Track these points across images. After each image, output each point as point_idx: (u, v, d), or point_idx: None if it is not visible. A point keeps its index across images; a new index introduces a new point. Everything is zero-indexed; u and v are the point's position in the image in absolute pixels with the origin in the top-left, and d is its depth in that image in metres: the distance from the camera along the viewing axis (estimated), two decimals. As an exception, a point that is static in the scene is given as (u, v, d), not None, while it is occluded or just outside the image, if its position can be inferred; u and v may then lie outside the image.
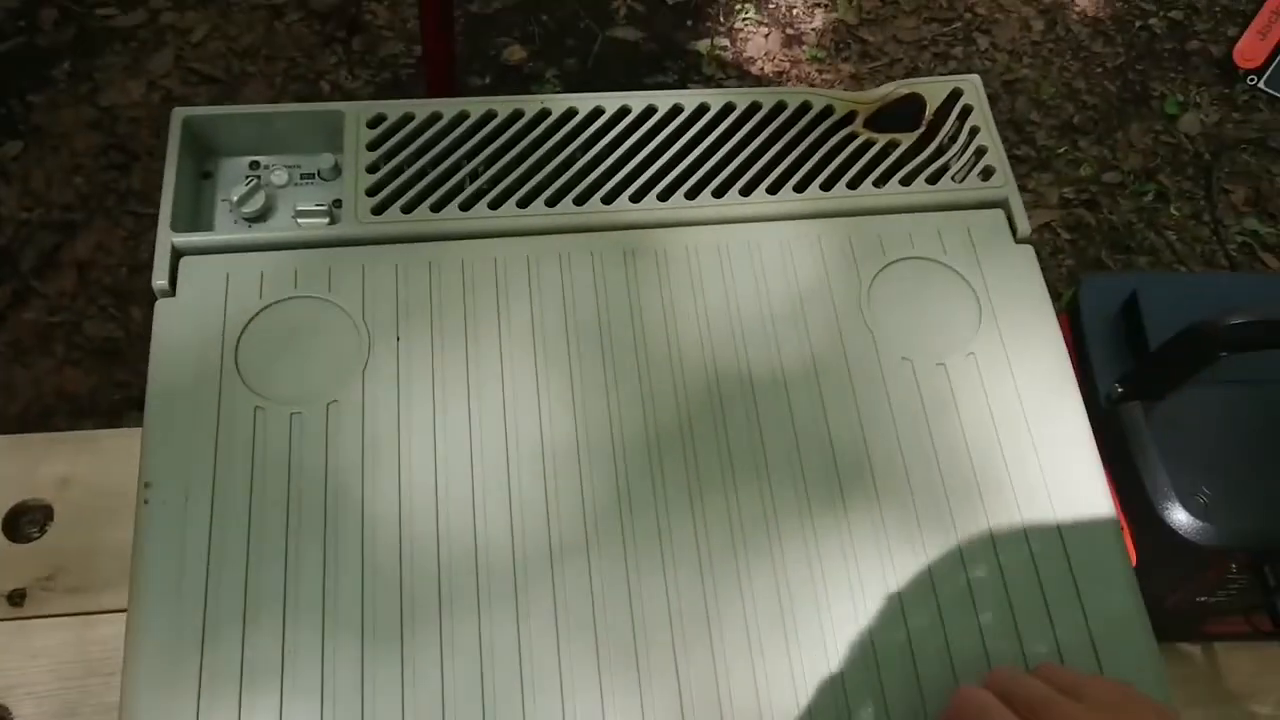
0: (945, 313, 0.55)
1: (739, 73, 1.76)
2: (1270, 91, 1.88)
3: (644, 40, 1.81)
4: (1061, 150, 1.75)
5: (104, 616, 0.84)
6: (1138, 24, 1.93)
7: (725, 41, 1.82)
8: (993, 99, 1.73)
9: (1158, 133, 1.78)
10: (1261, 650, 0.85)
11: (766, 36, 1.80)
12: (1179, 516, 0.68)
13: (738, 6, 1.88)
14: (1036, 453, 0.52)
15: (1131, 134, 1.77)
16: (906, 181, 0.58)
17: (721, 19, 1.86)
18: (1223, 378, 0.73)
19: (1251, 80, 1.90)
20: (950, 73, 1.84)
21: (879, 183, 0.58)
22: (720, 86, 1.73)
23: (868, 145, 0.60)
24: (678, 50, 1.79)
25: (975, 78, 0.62)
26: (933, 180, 0.58)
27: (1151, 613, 0.77)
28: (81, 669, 0.78)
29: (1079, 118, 1.79)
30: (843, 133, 0.60)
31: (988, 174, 0.59)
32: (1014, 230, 0.57)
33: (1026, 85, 1.83)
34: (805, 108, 0.61)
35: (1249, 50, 2.05)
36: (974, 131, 0.60)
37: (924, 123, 0.61)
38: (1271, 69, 1.87)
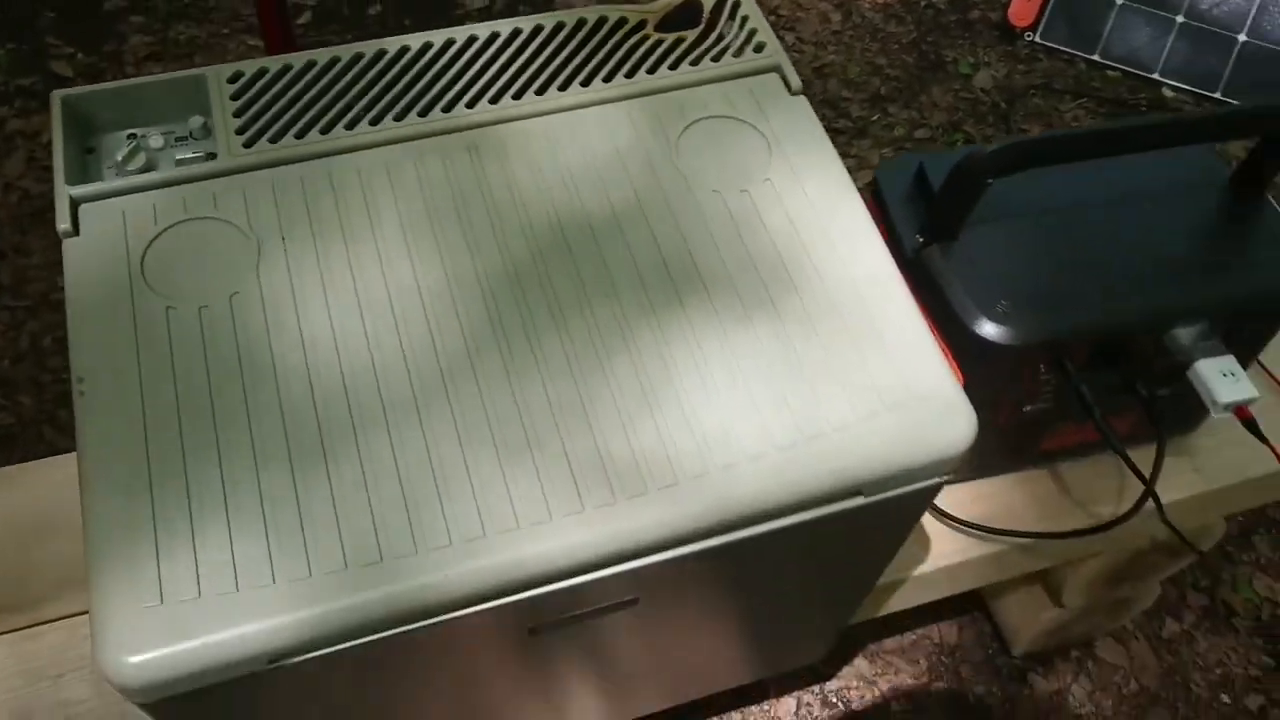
0: (742, 153, 0.66)
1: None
2: (1045, 43, 2.10)
3: None
4: (875, 118, 1.92)
5: (41, 628, 0.88)
6: (923, 4, 2.15)
7: None
8: (806, 84, 1.90)
9: (956, 91, 1.97)
10: (1097, 462, 0.97)
11: None
12: (985, 327, 0.80)
13: None
14: (832, 244, 0.62)
15: (934, 95, 1.96)
16: (695, 63, 0.70)
17: None
18: (1006, 214, 0.87)
19: (1029, 36, 2.12)
20: (765, 67, 2.01)
21: (673, 67, 0.69)
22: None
23: (660, 43, 0.71)
24: None
25: (740, -21, 0.74)
26: (716, 59, 0.70)
27: (993, 441, 0.89)
28: (26, 678, 0.82)
29: (885, 89, 1.97)
30: (637, 36, 0.71)
31: (760, 48, 0.71)
32: (788, 86, 0.69)
33: (834, 69, 2.01)
34: (603, 21, 0.72)
35: (1020, 12, 2.29)
36: (745, 19, 0.72)
37: (703, 19, 0.73)
38: (1043, 25, 2.09)
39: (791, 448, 0.55)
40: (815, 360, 0.58)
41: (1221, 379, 0.87)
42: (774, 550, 0.59)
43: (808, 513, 0.56)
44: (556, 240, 0.61)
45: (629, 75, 0.69)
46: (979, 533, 0.93)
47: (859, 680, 1.26)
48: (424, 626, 0.51)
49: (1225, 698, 1.29)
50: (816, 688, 1.26)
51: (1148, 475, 0.90)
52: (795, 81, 0.69)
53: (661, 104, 0.67)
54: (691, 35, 0.72)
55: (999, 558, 0.95)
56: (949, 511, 0.94)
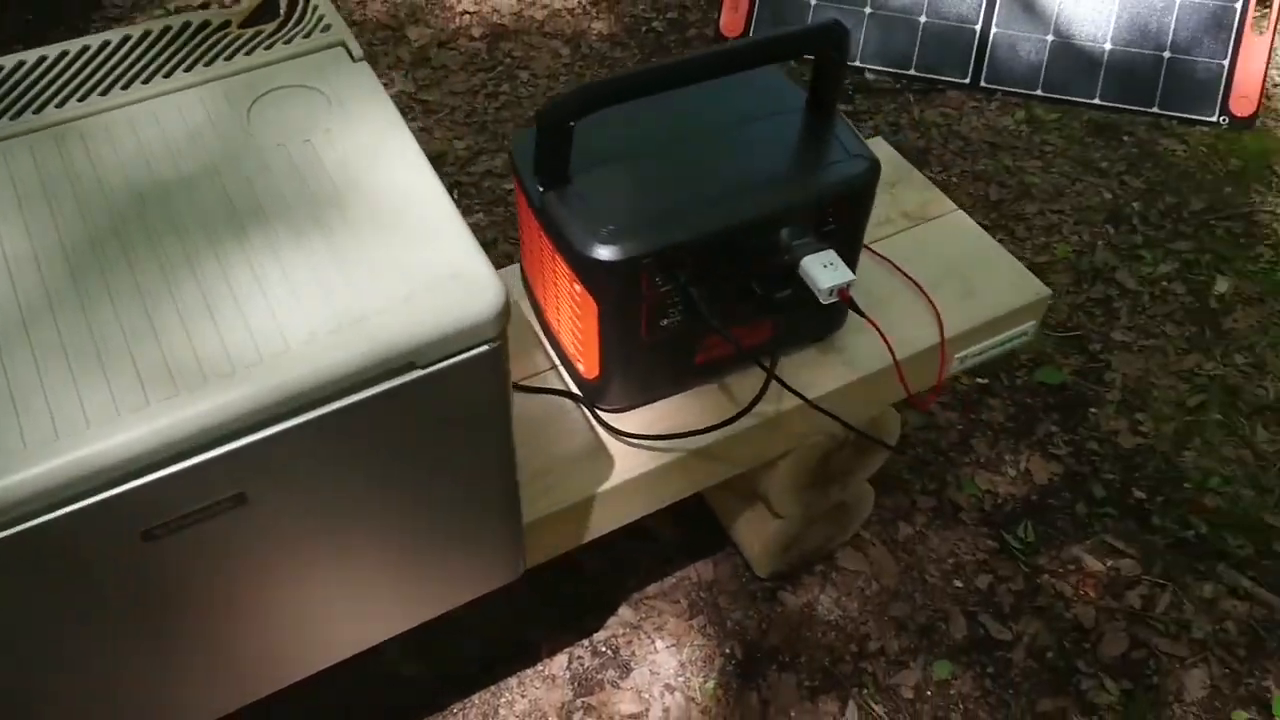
0: (306, 112, 0.76)
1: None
2: (757, 48, 2.24)
3: None
4: (608, 134, 2.07)
5: None
6: (644, 29, 2.32)
7: None
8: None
9: (680, 100, 2.15)
10: (757, 372, 1.06)
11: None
12: (596, 249, 0.92)
13: None
14: (379, 171, 0.72)
15: (661, 107, 2.13)
16: (269, 48, 0.80)
17: None
18: (613, 157, 0.99)
19: (741, 44, 2.27)
20: (502, 106, 2.14)
21: (249, 54, 0.79)
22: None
23: (239, 36, 0.81)
24: None
25: (308, -24, 0.85)
26: (288, 42, 0.80)
27: (651, 361, 1.00)
28: None
29: (616, 107, 2.13)
30: (220, 34, 0.81)
31: (327, 29, 0.81)
32: (351, 56, 0.80)
33: (569, 96, 2.16)
34: (188, 25, 0.81)
35: (730, 24, 2.49)
36: (315, 6, 0.83)
37: (280, 12, 0.83)
38: (751, 33, 2.29)
39: (338, 331, 0.64)
40: (358, 261, 0.67)
41: (823, 269, 1.01)
42: (358, 434, 0.67)
43: (373, 388, 0.65)
44: (134, 205, 0.69)
45: (208, 64, 0.78)
46: (645, 441, 1.04)
47: (624, 627, 1.35)
48: (16, 534, 0.58)
49: (958, 582, 1.42)
50: (585, 641, 1.34)
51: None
52: (357, 51, 0.80)
53: (234, 84, 0.77)
54: (270, 27, 0.82)
55: (681, 466, 1.06)
56: (620, 427, 1.05)
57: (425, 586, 0.86)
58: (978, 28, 2.20)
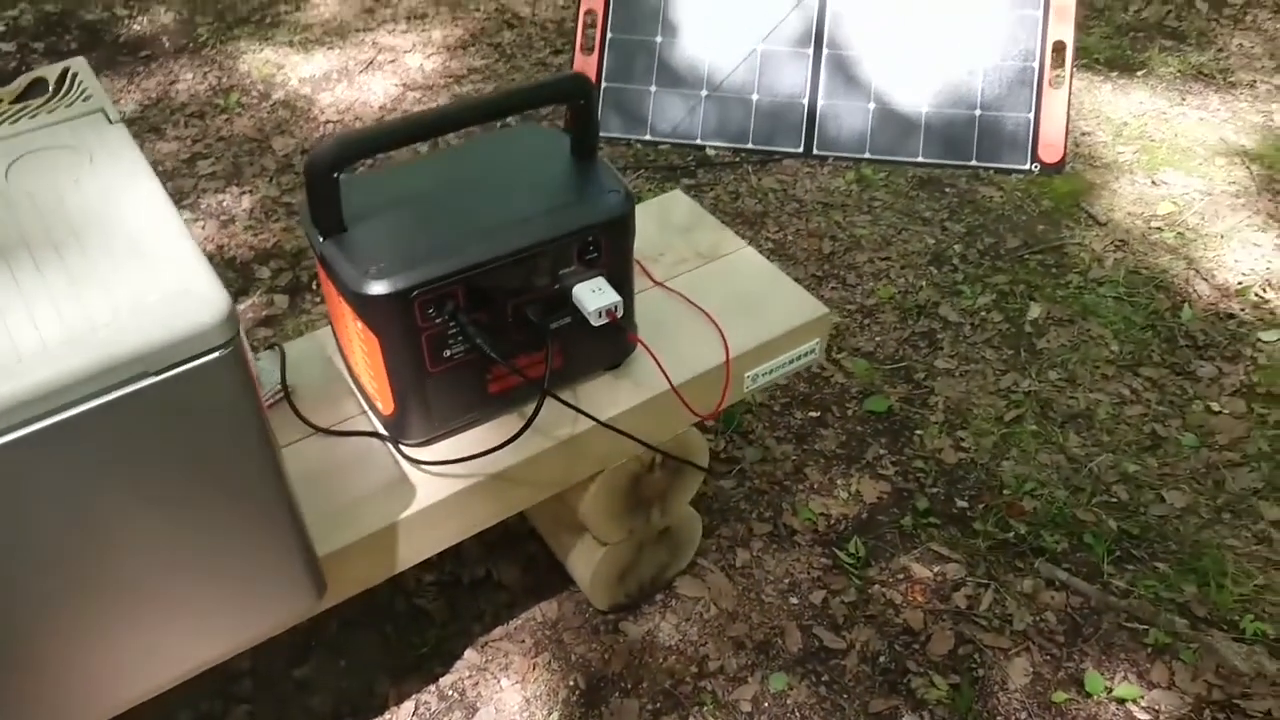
0: (59, 167, 0.84)
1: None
2: (604, 135, 2.40)
3: None
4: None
5: None
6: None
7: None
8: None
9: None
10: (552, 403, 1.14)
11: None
12: (363, 286, 1.00)
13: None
14: (121, 210, 0.81)
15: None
16: (34, 117, 0.89)
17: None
18: (387, 207, 1.08)
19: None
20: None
21: (13, 123, 0.88)
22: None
23: (7, 111, 0.90)
24: None
25: (80, 59, 0.95)
26: (51, 112, 0.89)
27: (444, 393, 1.07)
28: None
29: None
30: (-8, 110, 0.90)
31: (88, 98, 0.90)
32: (109, 119, 0.89)
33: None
34: (-39, 104, 0.90)
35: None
36: (79, 80, 0.92)
37: (49, 88, 0.92)
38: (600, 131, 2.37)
39: (70, 341, 0.71)
40: (92, 283, 0.75)
41: (591, 294, 1.10)
42: (105, 443, 0.74)
43: (110, 394, 0.72)
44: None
45: (-29, 137, 0.87)
46: (440, 467, 1.11)
47: (471, 670, 1.39)
48: None
49: (793, 599, 1.49)
50: (433, 686, 1.37)
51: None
52: (114, 115, 0.89)
53: (-8, 149, 0.86)
54: (37, 101, 0.91)
55: (483, 490, 1.13)
56: (418, 457, 1.12)
57: (215, 617, 0.91)
58: (805, 101, 2.38)
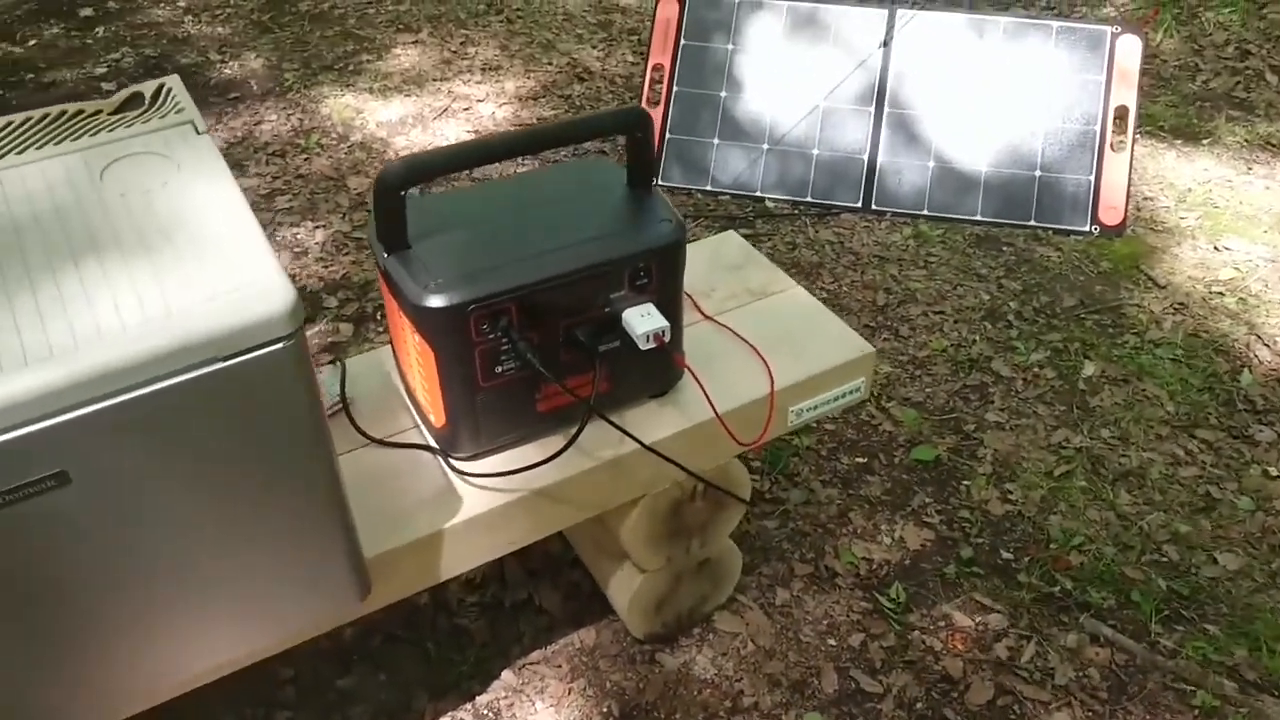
0: (149, 171, 0.90)
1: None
2: (665, 184, 2.47)
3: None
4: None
5: None
6: (565, 172, 2.55)
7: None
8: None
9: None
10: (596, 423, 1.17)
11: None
12: (424, 300, 1.05)
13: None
14: (203, 213, 0.86)
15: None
16: (130, 127, 0.95)
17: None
18: (452, 226, 1.13)
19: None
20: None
21: (111, 131, 0.95)
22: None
23: (106, 120, 0.97)
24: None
25: (175, 77, 1.02)
26: (146, 123, 0.96)
27: (495, 407, 1.11)
28: None
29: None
30: (92, 119, 0.97)
31: (180, 110, 0.97)
32: (197, 130, 0.95)
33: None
34: (64, 112, 0.97)
35: None
36: (172, 95, 0.99)
37: (146, 103, 0.99)
38: (660, 170, 2.46)
39: (145, 323, 0.76)
40: (173, 275, 0.80)
41: (640, 318, 1.14)
42: (171, 423, 0.79)
43: (179, 376, 0.77)
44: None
45: (75, 140, 0.94)
46: (487, 480, 1.14)
47: (507, 691, 1.41)
48: None
49: (831, 641, 1.48)
50: (469, 705, 1.39)
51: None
52: (201, 127, 0.95)
53: (93, 153, 0.93)
54: (134, 113, 0.98)
55: (526, 506, 1.16)
56: (465, 470, 1.15)
57: (261, 608, 0.95)
58: (865, 157, 2.41)
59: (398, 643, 1.47)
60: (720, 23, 2.52)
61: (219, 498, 0.86)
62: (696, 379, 1.19)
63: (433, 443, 1.20)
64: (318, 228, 2.35)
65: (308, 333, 2.04)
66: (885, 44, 2.44)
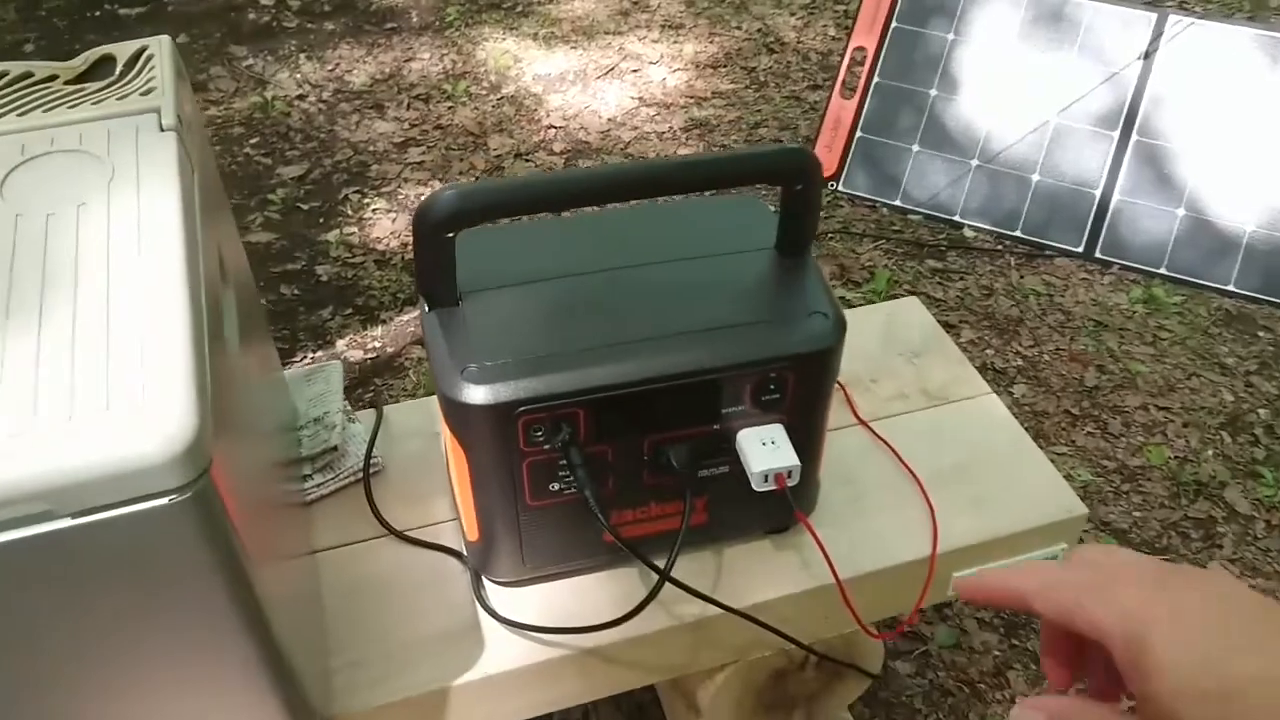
0: (71, 182, 0.62)
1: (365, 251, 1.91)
2: (848, 191, 2.12)
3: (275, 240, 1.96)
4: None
5: None
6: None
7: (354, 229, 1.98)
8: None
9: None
10: (694, 557, 0.84)
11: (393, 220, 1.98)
12: (458, 391, 0.75)
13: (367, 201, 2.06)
14: (127, 265, 0.58)
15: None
16: (73, 108, 0.68)
17: (350, 213, 2.03)
18: (527, 280, 0.82)
19: (831, 185, 2.14)
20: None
21: (46, 112, 0.67)
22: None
23: (54, 92, 0.70)
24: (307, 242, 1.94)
25: (164, 38, 0.74)
26: (97, 104, 0.68)
27: (530, 533, 0.81)
28: None
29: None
30: (37, 87, 0.70)
31: (149, 93, 0.69)
32: (160, 125, 0.67)
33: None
34: (5, 74, 0.71)
35: (824, 165, 2.32)
36: (151, 66, 0.71)
37: (116, 70, 0.71)
38: (844, 174, 2.12)
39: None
40: (25, 369, 0.52)
41: (760, 447, 0.81)
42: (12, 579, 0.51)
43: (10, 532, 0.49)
44: None
45: (-2, 118, 0.67)
46: (523, 631, 0.84)
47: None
48: None
49: None
50: None
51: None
52: (169, 121, 0.67)
53: (7, 142, 0.65)
54: (93, 86, 0.70)
55: (573, 665, 0.86)
56: (500, 608, 0.85)
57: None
58: (1098, 193, 1.97)
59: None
60: (944, 6, 2.10)
61: (92, 673, 0.59)
62: (818, 540, 0.84)
63: (464, 551, 0.91)
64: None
65: (403, 319, 1.78)
66: (1147, 55, 1.97)
